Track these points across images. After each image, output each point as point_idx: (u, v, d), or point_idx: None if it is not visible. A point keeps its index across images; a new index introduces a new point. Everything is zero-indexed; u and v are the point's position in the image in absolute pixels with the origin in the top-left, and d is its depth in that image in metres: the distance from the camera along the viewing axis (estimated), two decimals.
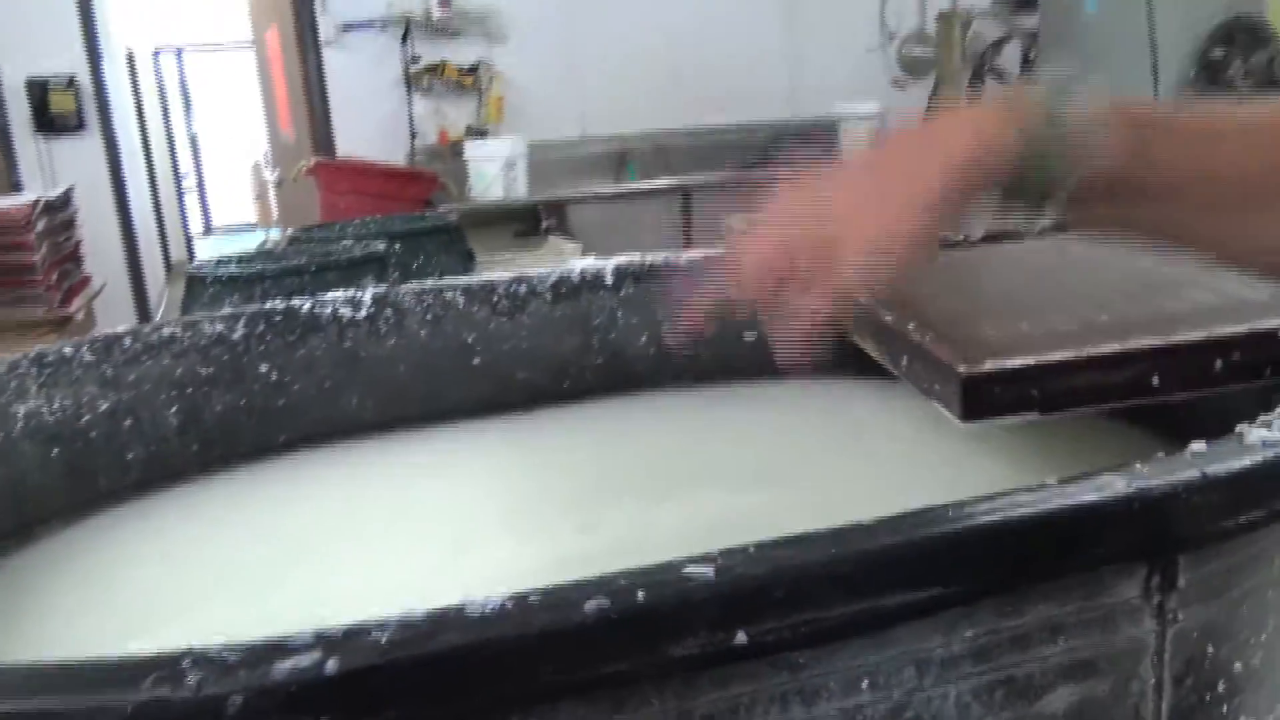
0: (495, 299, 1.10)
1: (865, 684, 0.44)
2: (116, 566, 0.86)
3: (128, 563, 0.87)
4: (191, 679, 0.35)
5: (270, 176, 6.06)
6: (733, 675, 0.42)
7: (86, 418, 0.94)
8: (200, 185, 9.81)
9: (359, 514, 0.94)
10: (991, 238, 0.87)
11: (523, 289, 1.11)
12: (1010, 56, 3.62)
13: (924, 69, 4.54)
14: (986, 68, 3.59)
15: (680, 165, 4.43)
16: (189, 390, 1.00)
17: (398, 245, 2.77)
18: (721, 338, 1.15)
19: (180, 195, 8.67)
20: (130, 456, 0.96)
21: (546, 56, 4.38)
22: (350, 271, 2.24)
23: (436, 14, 4.20)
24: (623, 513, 0.94)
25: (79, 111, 4.13)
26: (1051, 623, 0.47)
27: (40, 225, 2.86)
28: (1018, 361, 0.54)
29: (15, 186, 3.92)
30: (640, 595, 0.39)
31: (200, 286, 2.31)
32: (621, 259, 1.15)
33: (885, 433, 1.05)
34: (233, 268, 2.24)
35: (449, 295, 1.10)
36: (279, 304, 1.05)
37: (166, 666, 0.36)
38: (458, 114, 4.33)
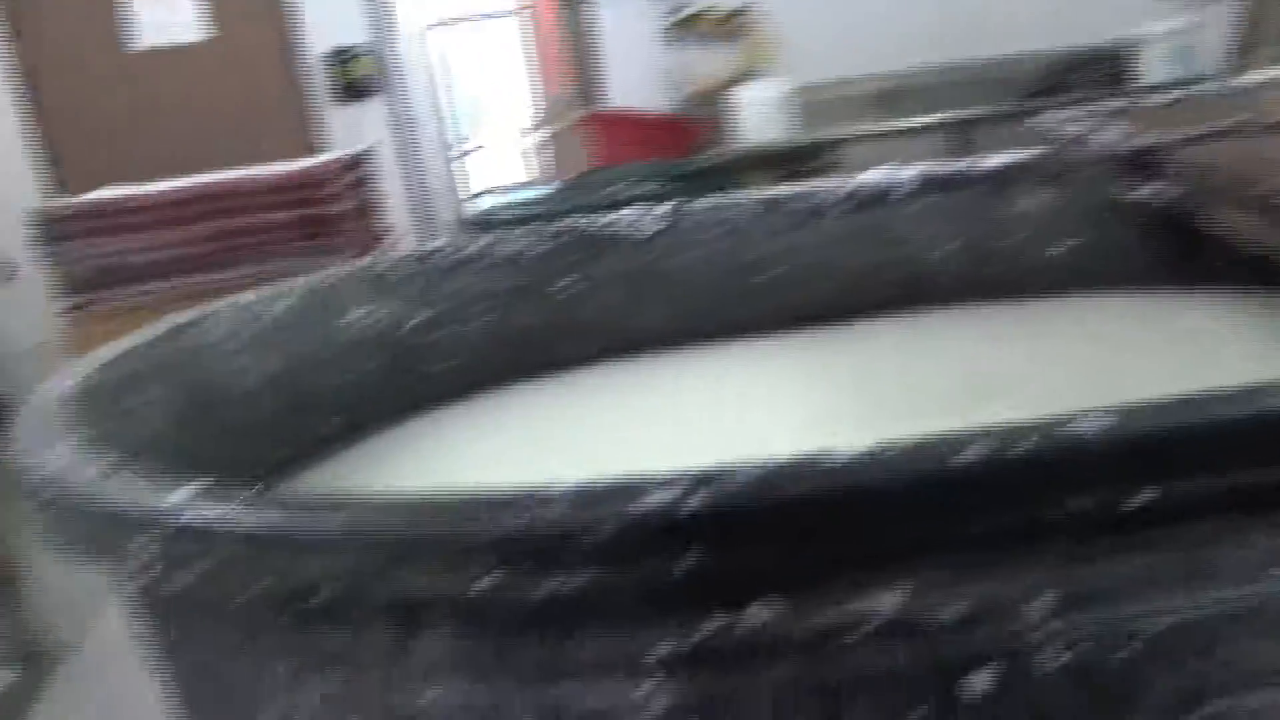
0: (789, 211, 1.07)
1: (1275, 568, 0.38)
2: (435, 464, 0.91)
3: (445, 460, 0.92)
4: (563, 505, 0.35)
5: (541, 134, 6.29)
6: (1126, 547, 0.37)
7: (405, 327, 0.99)
8: (477, 147, 10.37)
9: (661, 424, 0.95)
10: None
11: (816, 200, 1.07)
12: None
13: None
14: None
15: (955, 100, 4.20)
16: (494, 303, 1.04)
17: (670, 188, 2.81)
18: (1029, 249, 1.07)
19: (458, 156, 9.19)
20: (445, 364, 1.01)
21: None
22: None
23: None
24: (924, 428, 0.89)
25: (374, 79, 4.44)
26: None
27: (345, 180, 3.10)
28: None
29: (317, 149, 4.27)
30: (1023, 446, 0.35)
31: (488, 226, 2.44)
32: (918, 166, 1.09)
33: (1228, 349, 0.94)
34: (517, 209, 2.33)
35: (740, 208, 1.08)
36: (574, 221, 1.07)
37: (537, 496, 0.35)
38: (725, 59, 4.31)
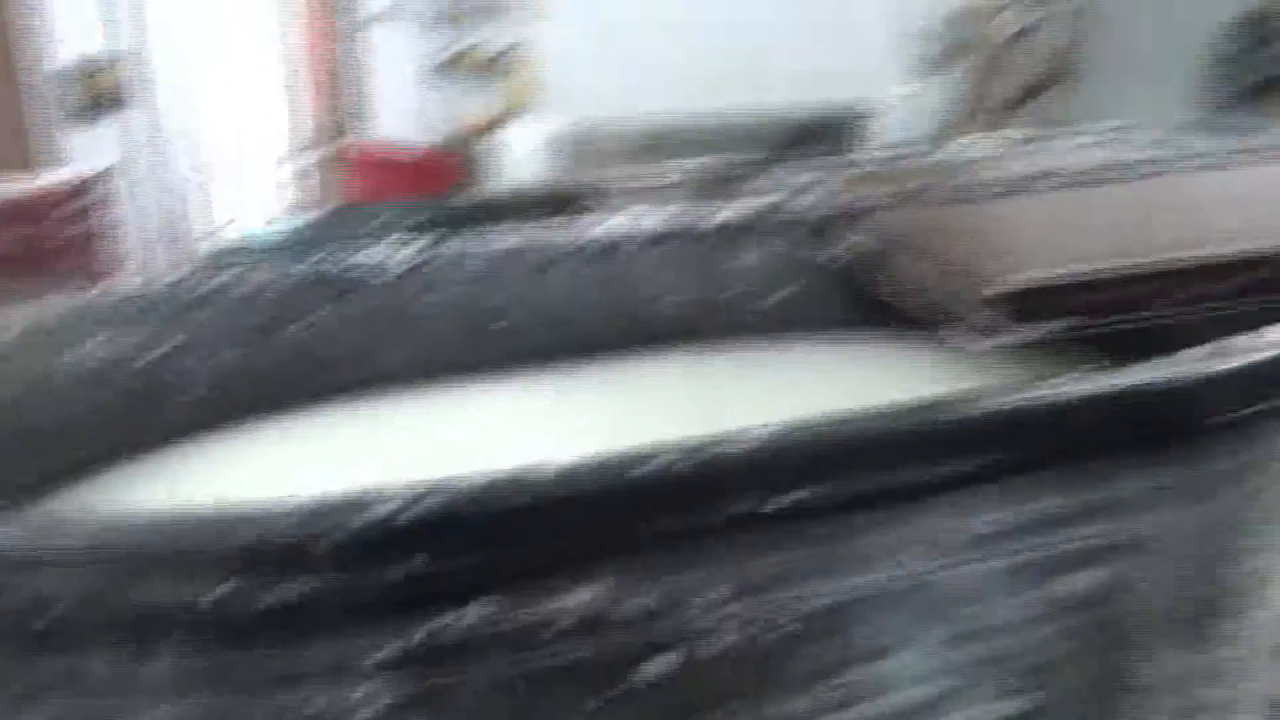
0: (529, 257, 1.14)
1: (894, 558, 0.48)
2: (169, 497, 0.90)
3: (180, 496, 0.91)
4: (293, 518, 0.39)
5: (295, 163, 6.13)
6: (778, 542, 0.45)
7: (140, 362, 0.98)
8: (222, 171, 9.93)
9: (387, 462, 0.98)
10: (1024, 187, 0.90)
11: (555, 248, 1.15)
12: (1041, 42, 3.63)
13: (955, 55, 4.55)
14: (1016, 53, 3.61)
15: (714, 148, 4.45)
16: (236, 339, 1.04)
17: (426, 228, 2.82)
18: (749, 297, 1.19)
19: (201, 182, 8.78)
20: (178, 401, 1.00)
21: (581, 38, 4.41)
22: (377, 252, 2.28)
23: None
24: None
25: (119, 94, 4.21)
26: (1073, 509, 0.50)
27: (79, 203, 2.93)
28: (1035, 280, 0.57)
29: (51, 165, 3.99)
30: (699, 457, 0.42)
31: (236, 257, 2.38)
32: (650, 217, 1.18)
33: (904, 382, 1.08)
34: (269, 241, 2.29)
35: (485, 253, 1.13)
36: (320, 259, 1.09)
37: (269, 510, 0.39)
38: (489, 98, 4.37)
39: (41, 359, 0.89)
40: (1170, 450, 0.51)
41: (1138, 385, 0.49)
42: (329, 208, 3.07)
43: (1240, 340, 0.51)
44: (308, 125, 5.18)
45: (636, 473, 0.41)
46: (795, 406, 0.94)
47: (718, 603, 0.45)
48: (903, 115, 4.41)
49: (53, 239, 2.78)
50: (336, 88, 4.39)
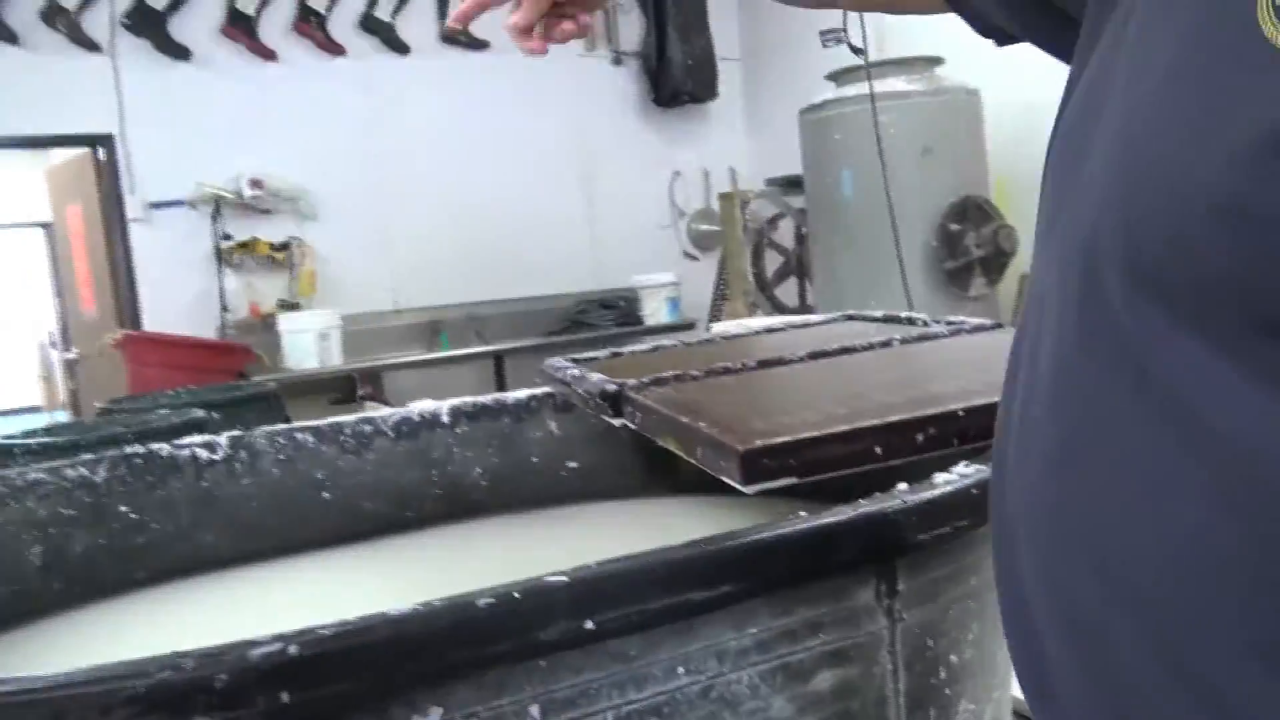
0: (343, 438, 1.23)
1: (681, 670, 0.60)
2: None
3: None
4: (188, 664, 0.47)
5: (64, 355, 5.86)
6: (584, 663, 0.56)
7: None
8: None
9: (210, 641, 1.02)
10: (768, 363, 1.07)
11: (368, 428, 1.24)
12: (785, 232, 4.06)
13: (711, 242, 4.99)
14: (766, 241, 4.01)
15: (491, 333, 4.64)
16: (52, 531, 1.07)
17: (216, 413, 2.80)
18: (547, 466, 1.31)
19: None
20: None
21: (357, 232, 4.55)
22: (171, 438, 2.27)
23: (248, 193, 4.31)
24: None
25: None
26: (812, 621, 0.64)
27: None
28: (777, 440, 0.72)
29: None
30: (517, 594, 0.53)
31: (8, 458, 2.30)
32: (456, 400, 1.30)
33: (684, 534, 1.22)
34: (44, 438, 2.23)
35: (300, 436, 1.21)
36: (138, 448, 1.14)
37: (167, 661, 0.47)
38: (270, 288, 4.40)
39: None
40: (889, 566, 0.66)
41: (868, 515, 0.63)
42: (109, 398, 2.99)
43: (939, 478, 0.68)
44: (80, 318, 5.02)
45: (469, 610, 0.52)
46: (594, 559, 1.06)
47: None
48: (663, 298, 4.75)
49: None
50: (112, 277, 4.31)
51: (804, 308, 3.81)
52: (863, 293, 3.05)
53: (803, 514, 0.64)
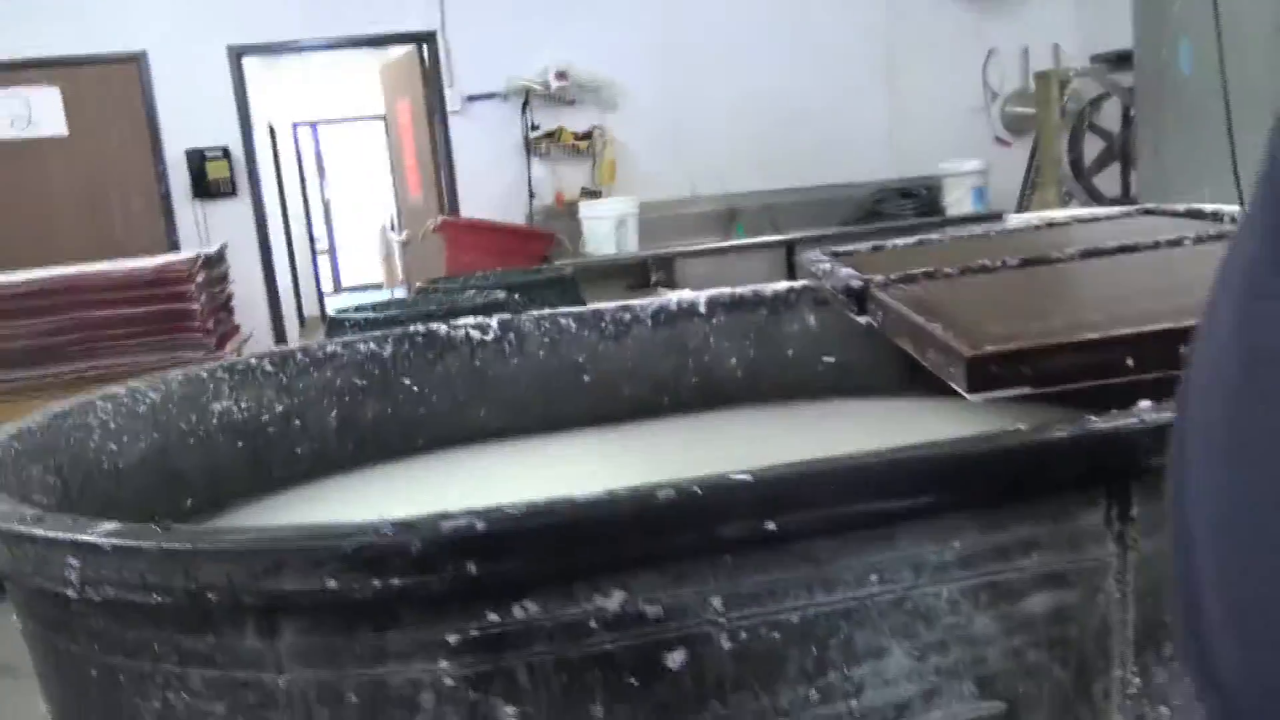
0: (603, 324, 1.27)
1: (874, 578, 0.58)
2: None
3: None
4: (386, 531, 0.51)
5: (397, 238, 6.44)
6: (769, 562, 0.56)
7: (266, 417, 1.13)
8: (332, 247, 10.41)
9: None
10: (1032, 261, 0.99)
11: (627, 316, 1.28)
12: (1109, 114, 3.68)
13: (1026, 127, 4.62)
14: (1086, 124, 3.66)
15: (785, 223, 4.59)
16: (347, 398, 1.19)
17: (517, 295, 2.98)
18: (803, 360, 1.30)
19: (314, 255, 9.23)
20: (299, 451, 1.15)
21: (656, 121, 4.62)
22: (474, 317, 2.44)
23: (554, 85, 4.48)
24: None
25: (231, 179, 4.54)
26: (1027, 540, 0.60)
27: (199, 278, 3.18)
28: (1010, 346, 0.67)
29: (174, 245, 4.31)
30: (698, 489, 0.54)
31: (340, 329, 2.56)
32: (712, 290, 1.31)
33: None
34: (370, 312, 2.48)
35: (563, 321, 1.27)
36: (420, 327, 1.24)
37: (369, 527, 0.52)
38: (573, 176, 4.59)
39: (187, 413, 1.05)
40: (1123, 489, 0.61)
41: (1098, 432, 0.58)
42: (429, 278, 3.27)
43: None
44: (408, 201, 5.47)
45: (649, 501, 0.53)
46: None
47: (715, 612, 0.56)
48: (967, 189, 4.47)
49: (182, 309, 3.01)
50: (433, 166, 4.66)
51: (1125, 198, 3.47)
52: (1193, 182, 2.72)
53: (1020, 426, 0.59)
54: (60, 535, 0.55)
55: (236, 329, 3.52)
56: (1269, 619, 0.29)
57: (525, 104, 4.52)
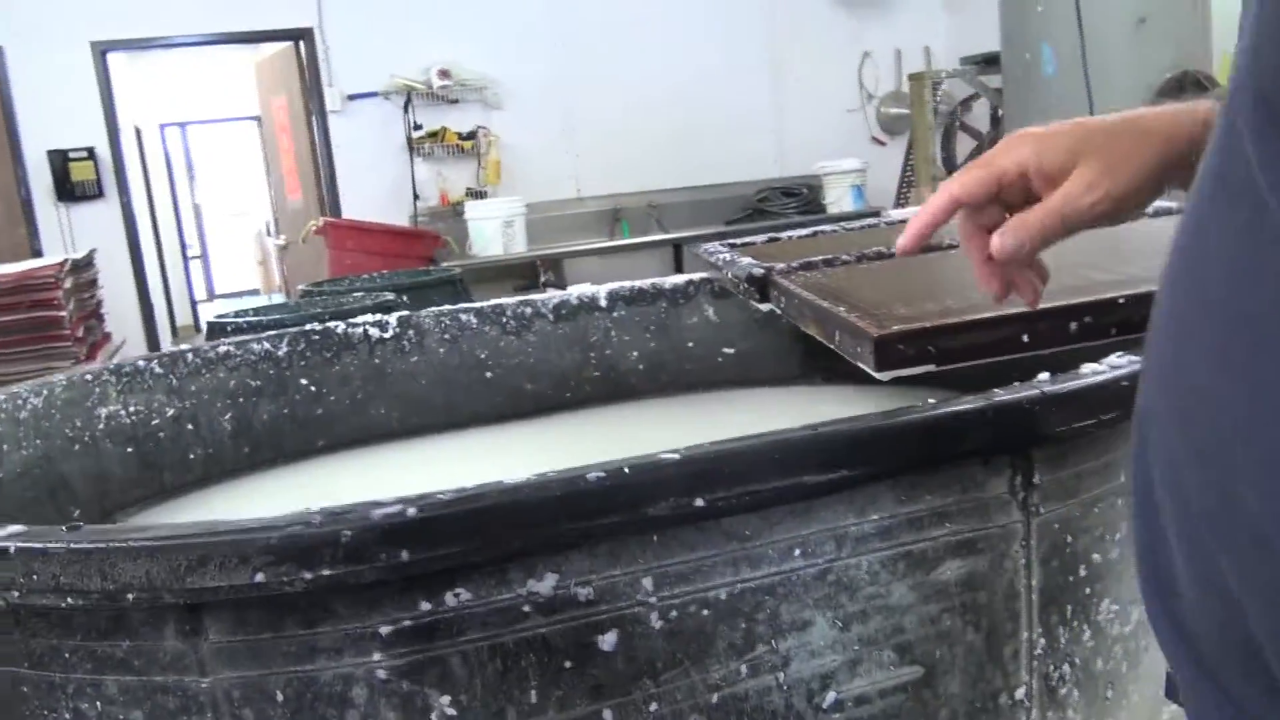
0: (504, 319, 1.27)
1: (798, 552, 0.59)
2: None
3: None
4: (315, 520, 0.50)
5: (275, 242, 6.26)
6: (696, 540, 0.57)
7: (156, 421, 1.09)
8: (204, 252, 10.05)
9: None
10: (928, 249, 1.03)
11: (528, 310, 1.27)
12: (979, 114, 3.83)
13: (901, 126, 4.77)
14: (958, 124, 3.81)
15: (671, 221, 4.63)
16: (241, 400, 1.16)
17: (405, 297, 2.94)
18: (703, 353, 1.32)
19: (186, 261, 8.90)
20: (192, 455, 1.11)
21: (541, 121, 4.61)
22: None
23: (436, 84, 4.42)
24: None
25: (98, 181, 4.34)
26: (939, 510, 0.62)
27: (67, 284, 3.03)
28: (914, 325, 0.70)
29: (36, 251, 4.10)
30: (627, 469, 0.54)
31: (221, 335, 2.48)
32: (613, 284, 1.32)
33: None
34: (252, 316, 2.40)
35: (464, 316, 1.26)
36: (316, 325, 1.21)
37: (298, 517, 0.51)
38: (458, 176, 4.54)
39: (72, 419, 1.00)
40: (1025, 457, 0.64)
41: (1001, 403, 0.61)
42: (310, 281, 3.19)
43: (1086, 368, 0.64)
44: (287, 207, 5.33)
45: (579, 483, 0.53)
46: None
47: (646, 591, 0.57)
48: (846, 186, 4.60)
49: (45, 315, 2.86)
50: (313, 167, 4.55)
51: None
52: None
53: (930, 400, 0.62)
54: None
55: (108, 337, 3.37)
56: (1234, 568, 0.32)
57: (407, 103, 4.45)
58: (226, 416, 1.14)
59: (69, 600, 0.51)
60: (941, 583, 0.63)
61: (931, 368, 0.71)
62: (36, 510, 0.96)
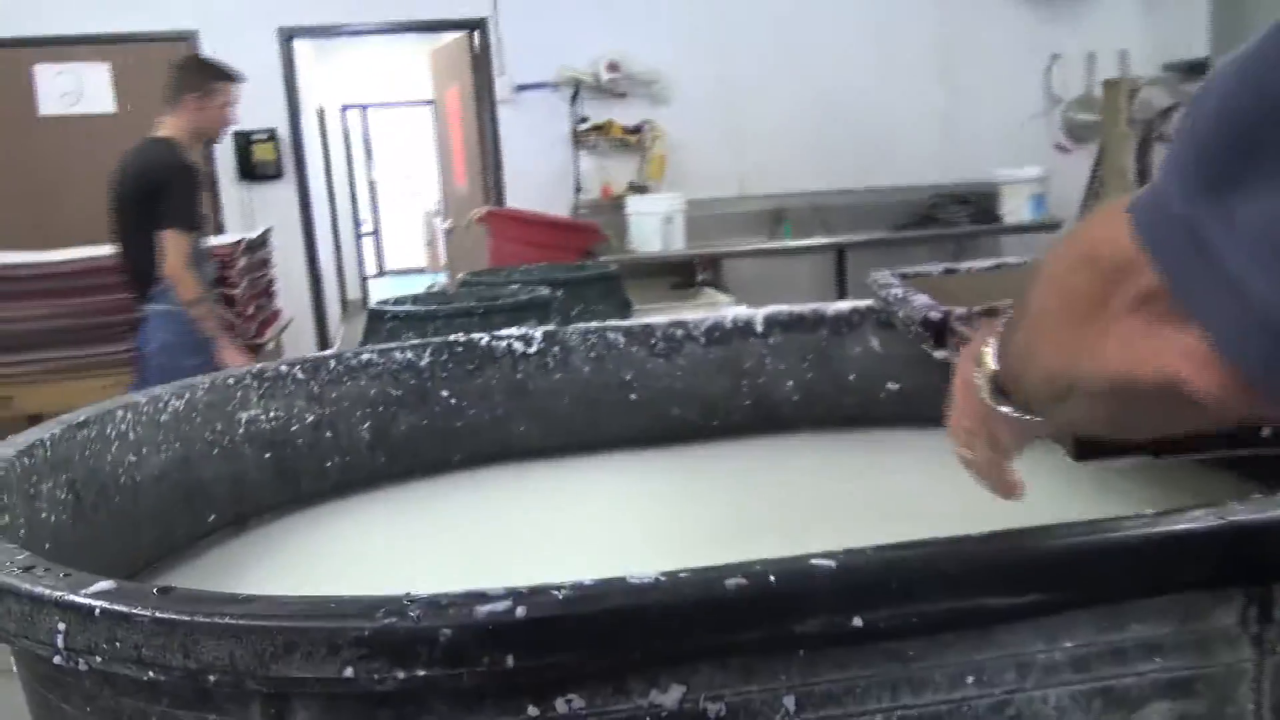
0: (653, 341, 1.20)
1: (970, 679, 0.50)
2: (309, 558, 0.98)
3: (319, 556, 0.99)
4: (413, 613, 0.44)
5: (442, 225, 6.40)
6: (850, 659, 0.49)
7: (295, 427, 1.07)
8: (376, 230, 10.42)
9: (515, 527, 1.04)
10: None
11: (679, 332, 1.20)
12: None
13: (1089, 134, 4.48)
14: (1155, 135, 3.53)
15: (835, 224, 4.48)
16: (380, 409, 1.13)
17: (560, 292, 2.92)
18: (865, 386, 1.22)
19: (358, 239, 9.24)
20: (329, 464, 1.09)
21: (707, 117, 4.53)
22: (515, 315, 2.38)
23: (605, 76, 4.40)
24: (760, 547, 1.01)
25: (278, 161, 4.51)
26: (1149, 642, 0.51)
27: (241, 262, 3.14)
28: None
29: (219, 228, 4.29)
30: (772, 577, 0.46)
31: (379, 321, 2.50)
32: (770, 308, 1.23)
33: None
34: (409, 306, 2.42)
35: (611, 335, 1.20)
36: (460, 336, 1.17)
37: (393, 604, 0.45)
38: (621, 170, 4.51)
39: (211, 424, 0.99)
40: (1264, 587, 0.52)
41: (1238, 523, 0.50)
42: (471, 270, 3.22)
43: None
44: (454, 192, 5.43)
45: (715, 589, 0.45)
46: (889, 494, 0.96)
47: (785, 713, 0.48)
48: (1026, 195, 4.35)
49: (225, 294, 2.98)
50: (480, 154, 4.60)
51: None
52: None
53: (1148, 512, 0.51)
54: (46, 593, 0.49)
55: (277, 314, 3.50)
56: None
57: (575, 95, 4.45)
58: (365, 425, 1.12)
59: (151, 674, 0.46)
60: None
61: (1149, 457, 0.60)
62: (172, 514, 0.95)
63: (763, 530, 1.03)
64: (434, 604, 0.45)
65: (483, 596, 0.45)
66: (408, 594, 0.46)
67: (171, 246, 2.67)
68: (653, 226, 4.10)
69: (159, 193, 2.72)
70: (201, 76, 3.00)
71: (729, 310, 1.23)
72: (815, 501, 1.07)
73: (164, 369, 2.74)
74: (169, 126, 2.95)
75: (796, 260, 4.38)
